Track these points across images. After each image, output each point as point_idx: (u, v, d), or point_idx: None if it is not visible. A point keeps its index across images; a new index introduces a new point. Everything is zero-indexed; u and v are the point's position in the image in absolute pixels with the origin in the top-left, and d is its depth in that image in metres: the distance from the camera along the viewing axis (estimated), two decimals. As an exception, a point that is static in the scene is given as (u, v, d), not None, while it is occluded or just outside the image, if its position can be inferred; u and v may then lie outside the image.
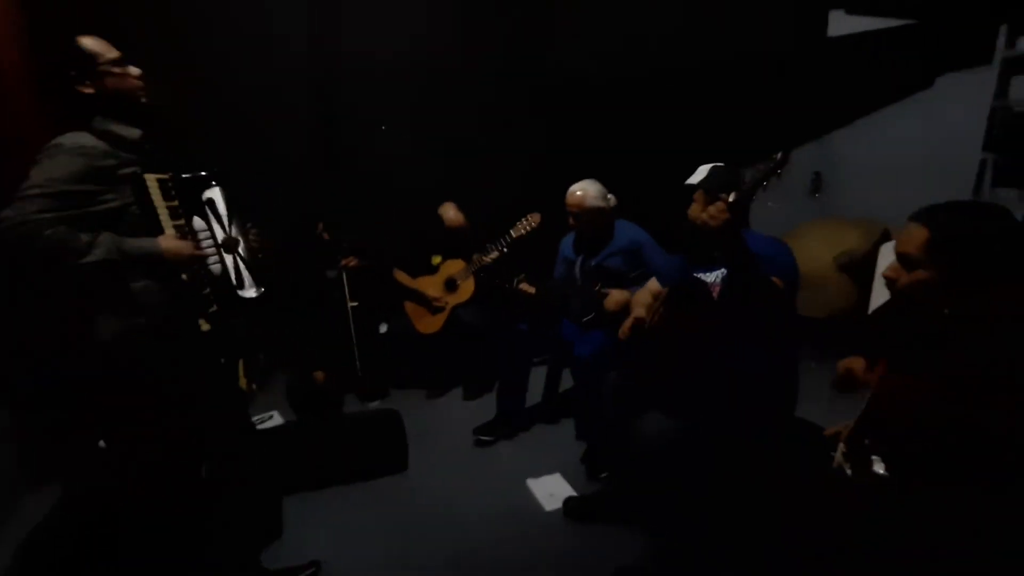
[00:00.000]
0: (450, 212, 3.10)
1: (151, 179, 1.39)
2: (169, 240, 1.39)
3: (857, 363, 1.26)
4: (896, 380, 1.12)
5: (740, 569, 1.59)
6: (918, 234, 1.10)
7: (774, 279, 1.48)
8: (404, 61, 3.45)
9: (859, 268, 3.02)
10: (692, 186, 1.70)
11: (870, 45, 3.04)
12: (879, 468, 1.06)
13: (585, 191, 2.39)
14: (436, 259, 3.15)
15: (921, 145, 3.00)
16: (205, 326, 1.49)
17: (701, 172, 1.72)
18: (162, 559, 1.53)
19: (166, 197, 1.42)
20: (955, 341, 1.06)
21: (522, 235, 2.73)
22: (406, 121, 3.53)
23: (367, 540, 1.93)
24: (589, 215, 2.38)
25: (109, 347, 1.39)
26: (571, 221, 2.42)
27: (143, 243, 1.36)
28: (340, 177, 3.54)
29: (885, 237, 3.09)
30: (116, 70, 1.40)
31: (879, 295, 2.83)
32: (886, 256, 2.84)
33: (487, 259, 2.83)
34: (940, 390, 1.03)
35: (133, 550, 1.56)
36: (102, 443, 1.80)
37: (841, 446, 1.16)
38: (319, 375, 2.95)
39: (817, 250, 3.10)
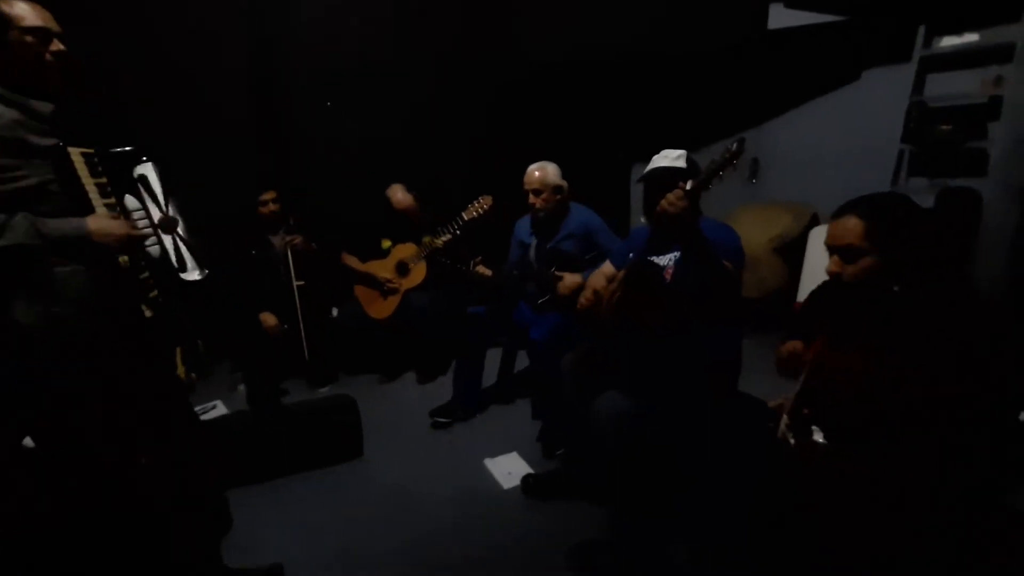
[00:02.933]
0: (398, 194, 3.02)
1: (75, 153, 1.25)
2: (99, 220, 1.26)
3: (798, 346, 1.35)
4: (831, 353, 1.22)
5: (695, 541, 1.69)
6: (854, 225, 1.15)
7: (725, 263, 1.56)
8: (351, 38, 3.31)
9: (791, 250, 3.23)
10: (673, 170, 1.72)
11: (806, 38, 3.21)
12: (819, 437, 1.15)
13: (544, 169, 2.41)
14: (386, 243, 3.07)
15: (847, 135, 3.23)
16: (148, 312, 1.38)
17: (669, 157, 1.76)
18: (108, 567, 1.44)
19: (93, 173, 1.29)
20: (895, 317, 1.16)
21: (474, 218, 2.71)
22: (352, 101, 3.41)
23: (324, 529, 1.90)
24: (552, 192, 2.40)
25: (28, 337, 1.27)
26: (532, 200, 2.43)
27: (67, 224, 1.23)
28: (282, 157, 3.37)
29: (814, 221, 3.32)
30: (29, 39, 1.25)
31: (809, 276, 3.05)
32: (816, 239, 3.05)
33: (438, 242, 2.80)
34: (872, 362, 1.13)
35: (71, 562, 1.45)
36: (28, 441, 1.65)
37: (784, 418, 1.25)
38: (270, 321, 2.84)
39: (752, 232, 3.28)
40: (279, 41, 3.23)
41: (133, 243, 1.33)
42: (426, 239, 2.87)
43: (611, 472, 1.68)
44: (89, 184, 1.28)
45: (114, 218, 1.29)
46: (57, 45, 1.30)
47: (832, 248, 1.21)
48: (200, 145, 2.91)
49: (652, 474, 1.65)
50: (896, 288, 1.16)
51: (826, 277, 1.43)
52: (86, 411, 1.32)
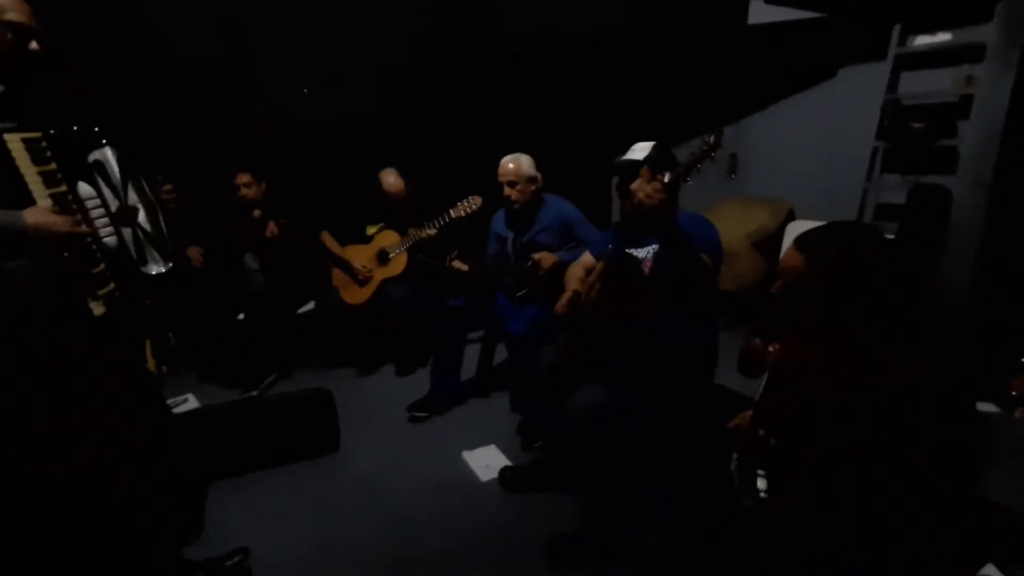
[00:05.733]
0: (390, 178, 2.95)
1: (14, 139, 1.17)
2: (37, 214, 1.17)
3: (762, 345, 1.35)
4: (797, 343, 1.22)
5: (671, 532, 1.71)
6: (797, 261, 1.17)
7: (703, 256, 1.56)
8: (326, 22, 3.24)
9: (768, 244, 3.27)
10: (636, 162, 1.73)
11: (785, 35, 3.24)
12: (761, 484, 1.13)
13: (518, 160, 2.40)
14: (371, 229, 3.02)
15: (824, 131, 3.27)
16: (99, 309, 1.30)
17: (640, 149, 1.76)
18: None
19: (38, 160, 1.21)
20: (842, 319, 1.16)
21: (461, 216, 2.68)
22: (331, 89, 3.34)
23: (299, 522, 1.88)
24: (525, 184, 2.39)
25: None
26: (506, 192, 2.41)
27: (3, 216, 1.15)
28: (256, 140, 3.29)
29: (791, 216, 3.37)
30: (8, 34, 1.19)
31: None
32: (792, 234, 3.09)
33: (423, 235, 2.77)
34: (836, 353, 1.13)
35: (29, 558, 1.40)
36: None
37: (735, 457, 1.22)
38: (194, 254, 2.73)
39: (730, 226, 3.31)
40: (252, 25, 3.14)
41: (77, 240, 1.25)
42: (411, 231, 2.84)
43: (587, 463, 1.69)
44: (31, 173, 1.20)
45: (56, 212, 1.22)
46: (34, 45, 1.23)
47: (780, 270, 1.22)
48: (170, 128, 2.83)
49: (628, 465, 1.66)
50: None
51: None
52: (37, 410, 1.25)
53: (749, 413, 1.25)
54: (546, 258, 2.31)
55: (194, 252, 2.75)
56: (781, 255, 1.23)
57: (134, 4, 2.79)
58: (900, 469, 1.07)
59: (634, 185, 1.73)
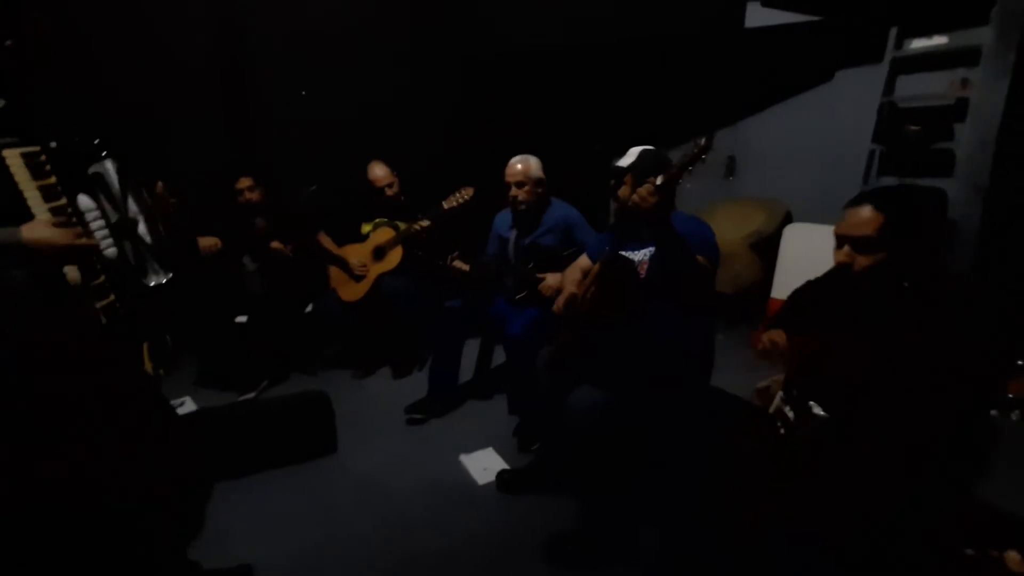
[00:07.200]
0: (377, 170, 2.96)
1: (13, 155, 1.16)
2: (36, 228, 1.16)
3: (779, 335, 1.36)
4: (821, 344, 1.22)
5: (668, 534, 1.71)
6: (871, 218, 1.16)
7: (699, 258, 1.57)
8: (319, 22, 3.25)
9: (766, 246, 3.28)
10: (622, 168, 1.75)
11: (781, 38, 3.25)
12: (818, 411, 1.15)
13: (527, 162, 2.40)
14: (366, 227, 3.03)
15: (820, 134, 3.28)
16: (101, 320, 1.31)
17: (631, 155, 1.78)
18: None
19: (37, 175, 1.20)
20: (900, 309, 1.17)
21: (454, 208, 2.70)
22: (326, 89, 3.35)
23: (297, 526, 1.88)
24: (533, 185, 2.39)
25: None
26: (514, 192, 2.41)
27: (1, 232, 1.14)
28: (250, 141, 3.29)
29: (788, 218, 3.37)
30: None
31: (783, 272, 3.10)
32: (790, 236, 3.10)
33: (417, 228, 2.78)
34: (864, 350, 1.14)
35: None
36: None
37: (780, 393, 1.26)
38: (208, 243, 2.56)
39: (727, 228, 3.32)
40: (245, 21, 3.14)
41: (77, 253, 1.24)
42: (403, 225, 2.85)
43: (583, 463, 1.69)
44: (30, 188, 1.19)
45: (55, 225, 1.21)
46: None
47: (845, 238, 1.21)
48: (168, 131, 2.83)
49: (625, 466, 1.67)
50: (905, 284, 1.17)
51: (803, 273, 1.45)
52: (36, 414, 1.25)
53: (780, 378, 1.29)
54: (552, 283, 2.29)
55: (209, 241, 2.58)
56: (838, 224, 1.22)
57: (132, 7, 2.79)
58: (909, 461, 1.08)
59: (620, 191, 1.77)
